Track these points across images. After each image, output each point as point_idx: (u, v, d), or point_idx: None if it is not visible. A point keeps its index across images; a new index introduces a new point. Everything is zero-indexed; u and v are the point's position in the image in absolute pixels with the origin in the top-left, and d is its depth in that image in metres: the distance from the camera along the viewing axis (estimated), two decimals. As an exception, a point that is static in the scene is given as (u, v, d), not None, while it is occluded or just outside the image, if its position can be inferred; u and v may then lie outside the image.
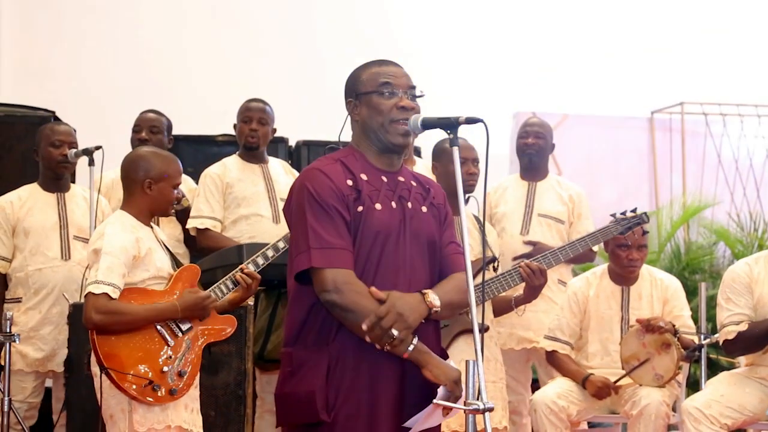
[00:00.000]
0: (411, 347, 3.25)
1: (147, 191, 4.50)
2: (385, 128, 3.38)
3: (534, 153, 6.30)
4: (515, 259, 5.92)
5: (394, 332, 3.20)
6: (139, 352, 4.35)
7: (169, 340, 4.42)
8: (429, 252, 3.43)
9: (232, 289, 4.72)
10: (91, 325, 4.32)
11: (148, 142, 6.12)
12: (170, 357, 4.39)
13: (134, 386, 4.29)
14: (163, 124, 6.32)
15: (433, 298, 3.30)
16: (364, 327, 3.19)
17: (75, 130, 6.90)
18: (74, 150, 5.93)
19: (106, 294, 4.27)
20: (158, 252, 4.50)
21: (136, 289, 4.40)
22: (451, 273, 3.44)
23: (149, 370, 4.34)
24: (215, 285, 4.69)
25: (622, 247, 5.62)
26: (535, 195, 6.26)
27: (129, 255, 4.36)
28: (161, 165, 4.53)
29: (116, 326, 4.30)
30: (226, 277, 4.73)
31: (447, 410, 3.28)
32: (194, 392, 4.54)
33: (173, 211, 4.81)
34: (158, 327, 4.41)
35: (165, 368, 4.36)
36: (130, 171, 4.55)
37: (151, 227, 4.59)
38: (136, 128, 6.29)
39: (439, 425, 3.44)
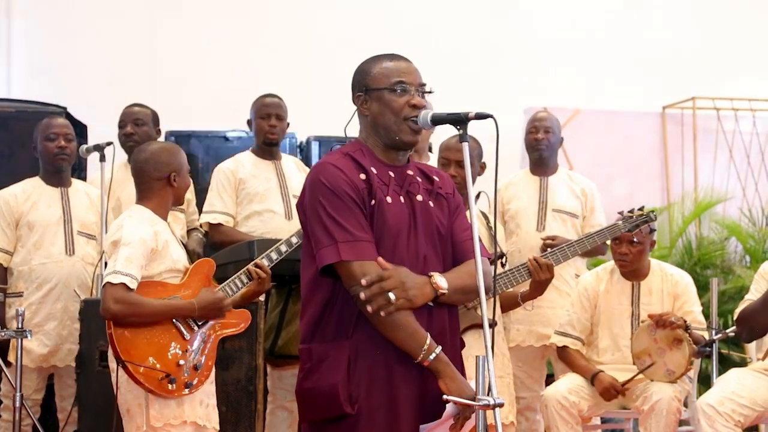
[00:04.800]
0: (432, 356, 3.23)
1: (173, 184, 4.58)
2: (397, 126, 3.37)
3: (544, 148, 6.29)
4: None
5: (391, 296, 3.16)
6: (156, 345, 4.39)
7: (185, 333, 4.46)
8: (441, 245, 3.42)
9: (247, 283, 4.74)
10: (108, 315, 4.35)
11: (134, 136, 6.15)
12: (186, 351, 4.43)
13: (150, 379, 4.33)
14: (148, 116, 6.27)
15: (440, 280, 3.28)
16: (363, 282, 3.16)
17: (85, 125, 6.96)
18: (85, 146, 5.96)
19: (124, 284, 4.31)
20: (174, 245, 4.55)
21: (153, 282, 4.44)
22: (463, 260, 3.42)
23: (165, 363, 4.37)
24: (230, 279, 4.71)
25: (616, 240, 5.62)
26: (548, 190, 6.25)
27: (147, 247, 4.41)
28: (176, 157, 4.63)
29: (133, 318, 4.34)
30: (240, 272, 4.75)
31: (457, 427, 3.28)
32: (210, 388, 4.57)
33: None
34: (174, 321, 4.45)
35: (181, 362, 4.39)
36: (147, 169, 4.60)
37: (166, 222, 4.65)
38: (121, 123, 6.26)
39: None
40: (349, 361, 3.27)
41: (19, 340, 4.97)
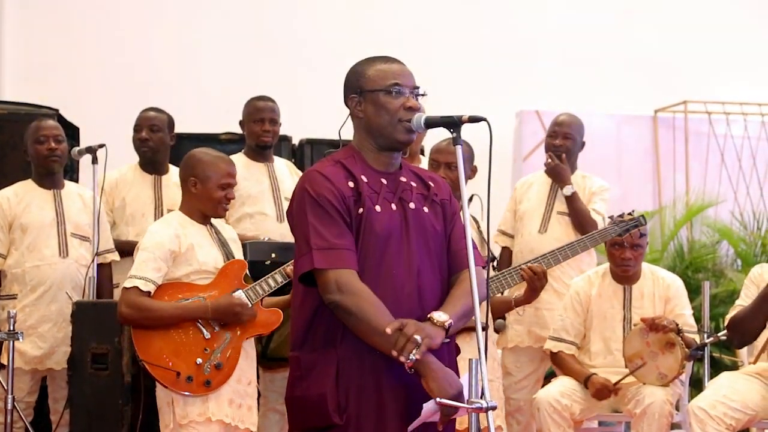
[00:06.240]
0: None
1: (192, 190, 4.64)
2: (392, 126, 3.37)
3: (561, 155, 6.27)
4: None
5: (417, 338, 3.15)
6: (174, 344, 4.48)
7: (205, 333, 4.52)
8: (436, 252, 3.42)
9: (281, 283, 4.74)
10: (120, 319, 4.51)
11: (149, 141, 6.12)
12: (206, 350, 4.48)
13: (166, 377, 4.42)
14: (164, 121, 6.22)
15: (439, 316, 3.27)
16: (388, 330, 3.15)
17: (77, 127, 6.95)
18: (77, 148, 5.95)
19: (137, 288, 4.43)
20: (205, 248, 4.60)
21: (179, 283, 4.53)
22: (460, 269, 3.42)
23: (181, 361, 4.43)
24: (261, 279, 4.72)
25: (616, 246, 5.63)
26: (557, 193, 6.24)
27: (165, 249, 4.49)
28: (205, 165, 4.65)
29: (143, 322, 4.46)
30: (274, 272, 4.75)
31: (443, 419, 3.27)
32: (245, 388, 4.61)
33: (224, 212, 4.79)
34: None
35: (198, 360, 4.45)
36: (181, 171, 4.73)
37: (211, 225, 4.71)
38: (137, 127, 6.20)
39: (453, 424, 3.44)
40: (338, 370, 3.27)
41: (11, 342, 4.97)
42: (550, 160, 6.22)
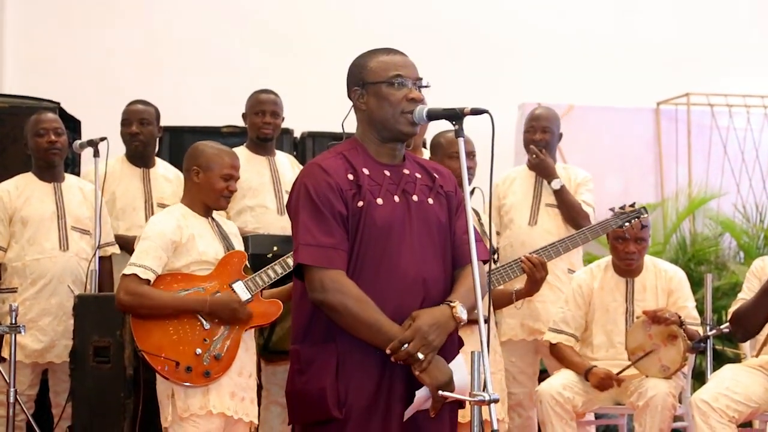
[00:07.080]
0: (404, 348, 3.22)
1: (195, 179, 4.65)
2: (395, 118, 3.35)
3: (541, 149, 6.26)
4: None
5: (420, 356, 3.19)
6: (173, 335, 4.48)
7: (205, 323, 4.52)
8: (441, 243, 3.40)
9: (281, 274, 4.73)
10: (118, 306, 4.53)
11: (140, 135, 6.11)
12: (205, 340, 4.49)
13: (166, 367, 4.42)
14: (152, 114, 6.21)
15: (461, 311, 3.28)
16: (388, 351, 3.19)
17: (78, 120, 6.95)
18: (79, 141, 5.95)
19: (136, 275, 4.45)
20: (206, 239, 4.62)
21: (179, 273, 4.55)
22: (463, 263, 3.41)
23: (180, 352, 4.43)
24: (261, 271, 4.72)
25: (619, 239, 5.63)
26: (543, 185, 6.24)
27: (166, 239, 4.51)
28: (209, 154, 4.67)
29: (141, 309, 4.47)
30: (274, 263, 4.74)
31: (436, 407, 3.27)
32: (245, 381, 4.62)
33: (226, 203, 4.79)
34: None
35: (198, 351, 4.45)
36: (184, 162, 4.75)
37: (213, 219, 4.73)
38: (125, 121, 6.18)
39: (455, 417, 3.43)
40: (338, 364, 3.27)
41: (13, 335, 4.96)
42: (534, 156, 6.20)
